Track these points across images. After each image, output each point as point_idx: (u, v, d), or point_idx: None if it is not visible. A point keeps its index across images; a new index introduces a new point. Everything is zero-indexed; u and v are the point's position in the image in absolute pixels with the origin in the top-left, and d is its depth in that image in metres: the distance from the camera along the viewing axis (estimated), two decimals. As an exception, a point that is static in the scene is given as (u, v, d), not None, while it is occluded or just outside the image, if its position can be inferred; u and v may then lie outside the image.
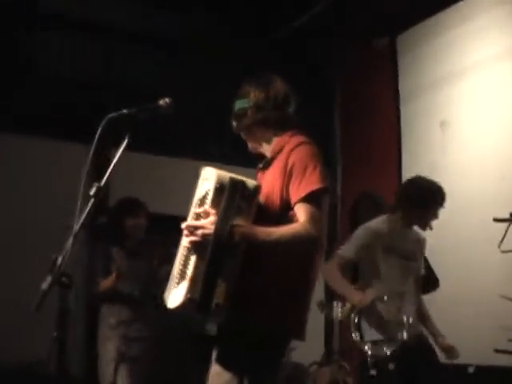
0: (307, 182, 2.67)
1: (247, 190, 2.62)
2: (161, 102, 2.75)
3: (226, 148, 6.95)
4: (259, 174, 2.95)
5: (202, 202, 2.64)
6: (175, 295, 2.58)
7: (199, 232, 2.54)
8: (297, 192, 2.67)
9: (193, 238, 2.56)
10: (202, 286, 2.51)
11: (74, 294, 2.51)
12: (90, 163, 2.65)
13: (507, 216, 4.28)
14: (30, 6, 6.13)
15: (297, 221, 2.66)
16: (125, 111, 2.67)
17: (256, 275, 2.63)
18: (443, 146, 5.90)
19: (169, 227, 6.29)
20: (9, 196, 5.81)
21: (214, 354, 2.75)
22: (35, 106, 5.99)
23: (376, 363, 4.06)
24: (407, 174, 6.31)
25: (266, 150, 2.95)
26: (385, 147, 6.71)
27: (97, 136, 2.58)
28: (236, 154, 6.92)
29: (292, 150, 2.76)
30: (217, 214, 2.55)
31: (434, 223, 4.30)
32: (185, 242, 2.62)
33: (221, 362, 2.69)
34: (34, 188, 5.90)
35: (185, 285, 2.52)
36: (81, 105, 6.13)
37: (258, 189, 2.67)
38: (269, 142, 2.93)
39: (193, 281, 2.50)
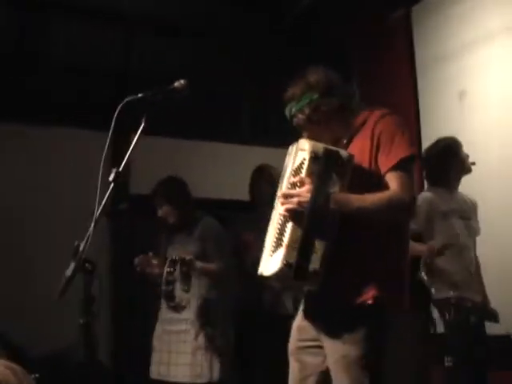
0: (396, 150, 2.73)
1: (341, 160, 2.65)
2: (176, 84, 2.76)
3: (244, 129, 6.96)
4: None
5: (296, 171, 2.69)
6: (271, 262, 2.65)
7: (295, 199, 2.59)
8: (386, 160, 2.73)
9: (289, 206, 2.61)
10: (298, 252, 2.57)
11: (99, 280, 2.52)
12: (108, 149, 2.65)
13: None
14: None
15: (387, 189, 2.70)
16: (140, 95, 2.68)
17: (352, 243, 2.67)
18: (462, 115, 5.84)
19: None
20: (32, 185, 5.83)
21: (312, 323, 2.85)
22: (52, 94, 6.01)
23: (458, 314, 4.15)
24: (427, 145, 6.28)
25: (342, 132, 2.93)
26: (403, 120, 6.66)
27: (113, 120, 2.58)
28: (254, 135, 7.04)
29: (377, 121, 2.81)
30: (312, 182, 2.59)
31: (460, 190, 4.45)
32: (280, 210, 2.67)
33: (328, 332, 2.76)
34: (55, 176, 5.92)
35: (282, 251, 2.59)
36: (99, 92, 6.13)
37: (351, 158, 2.70)
38: (347, 126, 2.92)
39: (290, 247, 2.57)
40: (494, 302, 4.44)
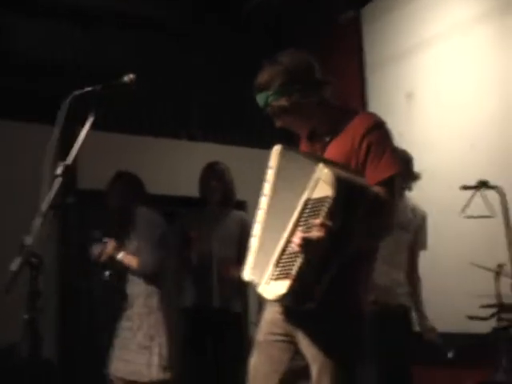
0: (386, 166, 2.67)
1: (365, 193, 2.52)
2: (125, 79, 2.74)
3: (193, 127, 6.95)
4: (317, 146, 2.87)
5: (317, 206, 2.48)
6: (272, 287, 2.59)
7: (313, 243, 2.42)
8: (375, 173, 2.66)
9: (306, 242, 2.43)
10: (304, 287, 2.51)
11: (44, 275, 2.50)
12: (55, 143, 2.63)
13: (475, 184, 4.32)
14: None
15: None
16: (89, 88, 2.65)
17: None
18: (409, 116, 5.92)
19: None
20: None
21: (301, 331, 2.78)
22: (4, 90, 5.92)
23: None
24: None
25: (321, 126, 2.88)
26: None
27: (61, 114, 2.56)
28: (204, 132, 7.04)
29: (371, 129, 2.71)
30: (334, 223, 2.43)
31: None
32: (294, 240, 2.49)
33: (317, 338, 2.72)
34: (1, 170, 5.84)
35: (286, 282, 2.51)
36: (47, 86, 6.06)
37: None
38: (326, 119, 2.85)
39: (295, 280, 2.49)
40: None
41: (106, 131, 5.94)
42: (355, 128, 2.74)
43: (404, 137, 5.75)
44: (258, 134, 6.66)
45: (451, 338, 4.84)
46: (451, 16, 5.64)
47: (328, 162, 2.56)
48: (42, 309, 2.46)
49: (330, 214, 2.42)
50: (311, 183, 2.51)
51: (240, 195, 5.18)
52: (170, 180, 6.47)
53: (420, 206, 4.54)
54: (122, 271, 4.62)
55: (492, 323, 4.27)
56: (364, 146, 2.68)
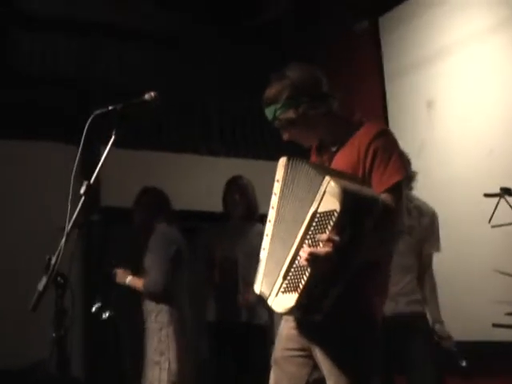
0: (392, 172, 2.68)
1: (373, 207, 2.51)
2: (146, 97, 2.75)
3: (214, 142, 6.96)
4: (324, 157, 2.89)
5: (324, 219, 2.48)
6: (282, 300, 2.59)
7: (321, 259, 2.43)
8: (381, 180, 2.68)
9: (314, 257, 2.44)
10: (313, 300, 2.52)
11: (71, 293, 2.52)
12: (78, 162, 2.65)
13: (497, 191, 4.29)
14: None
15: None
16: (110, 107, 2.67)
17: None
18: (430, 124, 5.89)
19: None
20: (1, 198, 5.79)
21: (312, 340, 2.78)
22: (21, 108, 5.95)
23: None
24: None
25: (328, 137, 2.90)
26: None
27: (84, 134, 2.58)
28: (225, 147, 7.05)
29: (377, 136, 2.72)
30: (341, 239, 2.42)
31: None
32: (302, 253, 2.49)
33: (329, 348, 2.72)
34: (24, 191, 5.87)
35: (295, 295, 2.51)
36: (68, 105, 6.09)
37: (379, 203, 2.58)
38: (334, 130, 2.87)
39: (304, 293, 2.50)
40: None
41: (128, 148, 5.98)
42: (361, 138, 2.76)
43: (425, 145, 5.75)
44: (279, 147, 6.64)
45: (475, 346, 4.82)
46: (469, 24, 5.63)
47: (335, 173, 2.59)
48: (68, 327, 2.48)
49: (337, 228, 2.43)
50: (318, 196, 2.51)
51: (263, 209, 5.18)
52: (192, 195, 6.48)
53: (427, 204, 4.44)
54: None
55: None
56: (370, 153, 2.69)
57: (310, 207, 2.54)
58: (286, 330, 2.88)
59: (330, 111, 2.84)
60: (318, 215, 2.51)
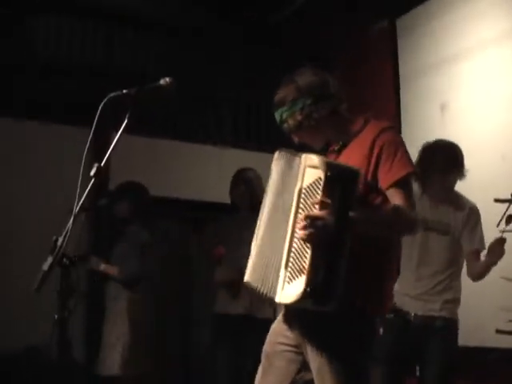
0: (399, 166, 2.68)
1: (356, 178, 2.53)
2: (161, 82, 2.74)
3: (226, 132, 6.95)
4: (330, 157, 2.88)
5: (311, 190, 2.52)
6: (290, 289, 2.51)
7: (319, 223, 2.43)
8: (388, 175, 2.67)
9: (311, 230, 2.43)
10: (322, 278, 2.44)
11: (77, 275, 2.52)
12: (90, 145, 2.65)
13: (508, 196, 4.26)
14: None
15: (382, 204, 2.69)
16: (125, 91, 2.66)
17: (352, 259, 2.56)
18: (443, 128, 5.87)
19: (168, 209, 6.37)
20: (10, 180, 5.79)
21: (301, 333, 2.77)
22: (36, 91, 5.96)
23: None
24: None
25: (336, 137, 2.91)
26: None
27: (97, 116, 2.57)
28: (236, 137, 7.04)
29: (381, 133, 2.74)
30: (333, 204, 2.45)
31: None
32: (299, 233, 2.50)
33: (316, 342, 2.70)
34: (35, 172, 5.88)
35: (303, 278, 2.44)
36: (83, 89, 6.09)
37: (362, 173, 2.60)
38: (340, 130, 2.89)
39: (311, 273, 2.43)
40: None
41: (139, 135, 5.97)
42: (366, 135, 2.79)
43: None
44: (288, 140, 6.63)
45: (478, 352, 4.80)
46: (486, 29, 5.60)
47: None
48: (72, 309, 2.48)
49: (327, 192, 2.45)
50: (299, 174, 2.58)
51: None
52: (201, 185, 6.47)
53: (467, 199, 4.27)
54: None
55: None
56: (376, 149, 2.71)
57: (294, 188, 2.59)
58: (280, 324, 2.88)
59: (335, 112, 2.87)
60: (303, 191, 2.55)
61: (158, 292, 5.95)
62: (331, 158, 2.85)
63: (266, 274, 2.65)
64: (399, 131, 6.40)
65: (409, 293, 4.10)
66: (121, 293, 4.93)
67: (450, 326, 4.10)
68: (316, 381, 2.69)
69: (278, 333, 2.87)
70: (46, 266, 2.43)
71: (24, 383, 5.09)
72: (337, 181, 2.46)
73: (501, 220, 4.16)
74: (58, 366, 2.57)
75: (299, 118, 2.82)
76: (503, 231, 4.07)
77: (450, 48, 5.96)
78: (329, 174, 2.45)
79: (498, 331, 4.23)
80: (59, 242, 2.46)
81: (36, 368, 5.06)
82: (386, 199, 2.70)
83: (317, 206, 2.46)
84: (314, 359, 2.69)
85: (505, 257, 4.74)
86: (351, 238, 2.51)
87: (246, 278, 2.79)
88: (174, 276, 6.61)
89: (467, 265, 4.18)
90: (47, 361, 4.69)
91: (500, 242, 3.97)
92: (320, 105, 2.82)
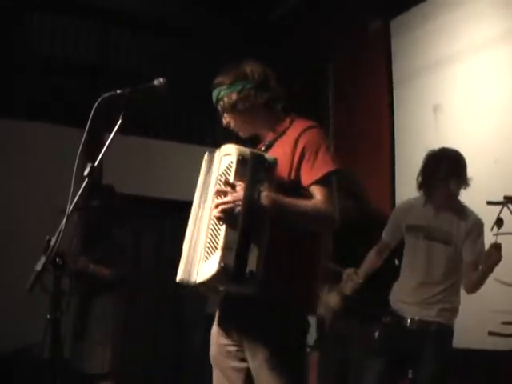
0: (321, 164, 2.72)
1: (268, 163, 2.62)
2: (155, 82, 2.74)
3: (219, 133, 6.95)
4: None
5: (224, 174, 2.63)
6: (206, 267, 2.54)
7: (230, 199, 2.53)
8: (310, 173, 2.71)
9: (224, 207, 2.53)
10: (235, 253, 2.48)
11: (69, 275, 2.52)
12: (83, 145, 2.65)
13: (500, 199, 4.26)
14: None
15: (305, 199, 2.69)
16: (118, 91, 2.66)
17: (273, 248, 2.59)
18: (436, 130, 5.88)
19: (160, 210, 6.37)
20: (3, 180, 5.78)
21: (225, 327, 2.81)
22: (30, 91, 5.96)
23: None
24: (400, 157, 6.32)
25: (264, 133, 2.96)
26: (378, 132, 6.70)
27: (90, 116, 2.57)
28: (228, 138, 7.03)
29: (303, 132, 2.78)
30: (244, 182, 2.54)
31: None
32: (207, 213, 2.62)
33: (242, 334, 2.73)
34: (28, 172, 5.87)
35: (217, 254, 2.48)
36: (76, 89, 6.09)
37: (276, 162, 2.66)
38: (269, 126, 2.93)
39: (225, 249, 2.48)
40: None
41: (133, 135, 5.96)
42: (290, 135, 2.83)
43: (430, 149, 5.74)
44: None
45: (471, 354, 4.80)
46: (480, 31, 5.61)
47: None
48: (65, 310, 2.47)
49: (238, 175, 2.57)
50: (216, 164, 2.73)
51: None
52: (193, 186, 6.44)
53: (473, 212, 4.19)
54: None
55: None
56: (298, 148, 2.75)
57: (212, 176, 2.71)
58: (216, 326, 2.88)
59: (270, 105, 2.91)
60: (219, 177, 2.66)
61: (150, 293, 5.96)
62: None
63: (192, 263, 2.66)
64: (391, 131, 6.42)
65: (406, 300, 4.10)
66: (108, 292, 4.93)
67: (445, 331, 4.09)
68: (256, 379, 2.71)
69: (218, 334, 2.87)
70: (38, 266, 2.43)
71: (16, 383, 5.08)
72: (245, 162, 2.58)
73: (494, 224, 4.15)
74: (50, 366, 2.57)
75: (235, 97, 2.87)
76: (496, 234, 4.07)
77: (444, 50, 5.97)
78: (240, 157, 2.58)
79: (491, 333, 4.22)
80: (52, 242, 2.46)
81: (28, 368, 5.06)
82: (310, 197, 2.72)
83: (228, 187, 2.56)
84: (252, 357, 2.71)
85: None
86: (270, 224, 2.57)
87: (178, 278, 2.73)
88: (165, 277, 6.60)
89: (464, 275, 4.13)
90: (39, 361, 4.68)
91: (496, 247, 3.95)
92: (258, 92, 2.86)
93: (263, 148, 2.90)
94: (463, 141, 5.54)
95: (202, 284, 2.59)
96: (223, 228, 2.52)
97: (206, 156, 2.87)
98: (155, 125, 6.57)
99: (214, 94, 2.94)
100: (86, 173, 2.54)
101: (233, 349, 2.80)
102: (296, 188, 2.73)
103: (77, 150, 2.63)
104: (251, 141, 3.02)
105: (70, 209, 2.50)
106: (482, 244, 4.10)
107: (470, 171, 5.28)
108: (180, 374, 6.83)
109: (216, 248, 2.51)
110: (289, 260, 2.69)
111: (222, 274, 2.47)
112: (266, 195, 2.55)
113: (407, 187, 5.96)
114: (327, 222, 2.72)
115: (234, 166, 2.59)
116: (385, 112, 6.52)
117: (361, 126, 6.90)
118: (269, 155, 2.70)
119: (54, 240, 2.46)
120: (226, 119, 2.96)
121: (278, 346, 2.66)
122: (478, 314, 4.91)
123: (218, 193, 2.58)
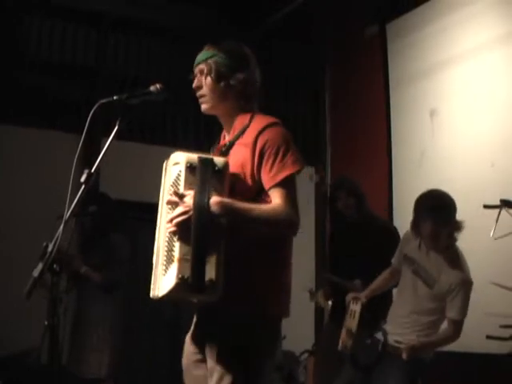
0: (281, 166, 2.61)
1: (217, 166, 2.55)
2: (152, 88, 2.73)
3: (215, 139, 6.95)
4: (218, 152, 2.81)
5: (175, 184, 2.57)
6: (165, 281, 2.50)
7: (179, 211, 2.48)
8: (270, 176, 2.61)
9: (176, 220, 2.48)
10: (192, 263, 2.44)
11: (67, 281, 2.52)
12: (80, 151, 2.64)
13: (497, 203, 4.26)
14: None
15: (270, 202, 2.61)
16: (115, 97, 2.65)
17: (235, 253, 2.54)
18: (433, 134, 5.90)
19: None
20: (7, 183, 5.79)
21: (196, 340, 2.76)
22: (27, 96, 5.96)
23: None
24: (397, 162, 6.33)
25: (225, 121, 2.87)
26: (374, 135, 6.71)
27: (87, 122, 2.56)
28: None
29: (261, 132, 2.66)
30: (193, 191, 2.49)
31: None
32: (167, 227, 2.54)
33: (210, 347, 2.65)
34: (25, 178, 5.87)
35: (174, 266, 2.45)
36: (74, 95, 6.10)
37: (227, 165, 2.59)
38: (232, 110, 2.82)
39: (181, 260, 2.45)
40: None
41: (129, 141, 5.97)
42: (249, 133, 2.71)
43: (426, 153, 5.75)
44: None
45: (468, 358, 4.80)
46: (476, 35, 5.64)
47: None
48: (62, 316, 2.47)
49: (186, 185, 2.52)
50: (167, 174, 2.66)
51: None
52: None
53: (464, 266, 4.00)
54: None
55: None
56: (257, 148, 2.64)
57: (165, 188, 2.64)
58: (189, 334, 2.84)
59: (242, 94, 2.79)
60: (170, 188, 2.59)
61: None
62: (219, 155, 2.78)
63: (155, 277, 2.61)
64: (388, 136, 6.43)
65: (390, 323, 4.11)
66: (102, 297, 4.92)
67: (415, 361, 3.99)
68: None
69: (189, 342, 2.83)
70: (36, 273, 2.42)
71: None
72: (193, 169, 2.53)
73: (495, 228, 4.13)
74: (48, 372, 2.57)
75: (211, 63, 2.80)
76: (498, 238, 4.06)
77: (440, 54, 5.98)
78: (188, 165, 2.53)
79: (489, 337, 4.22)
80: (49, 248, 2.46)
81: (26, 373, 5.05)
82: (269, 199, 2.64)
83: (176, 198, 2.51)
84: (212, 368, 2.64)
85: (495, 263, 4.77)
86: (228, 230, 2.52)
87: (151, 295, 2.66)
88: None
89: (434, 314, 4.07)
90: (37, 366, 4.67)
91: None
92: (235, 73, 2.78)
93: (224, 149, 2.79)
94: (459, 145, 5.57)
95: (165, 297, 2.54)
96: (177, 240, 2.49)
97: (164, 164, 2.76)
98: (151, 131, 6.57)
99: (203, 54, 2.86)
100: (82, 179, 2.53)
101: (200, 357, 2.75)
102: (259, 192, 2.65)
103: (73, 156, 2.63)
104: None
105: (67, 215, 2.50)
106: (463, 301, 3.96)
107: (467, 174, 5.30)
108: (177, 378, 6.81)
109: (173, 261, 2.48)
110: (249, 266, 2.62)
111: (181, 285, 2.44)
112: (215, 201, 2.48)
113: (404, 190, 5.99)
114: (287, 225, 2.62)
115: (182, 174, 2.54)
116: (382, 115, 6.53)
117: (358, 130, 6.92)
118: (220, 158, 2.60)
119: (51, 246, 2.45)
120: (197, 83, 2.86)
121: (240, 358, 2.59)
122: (476, 317, 4.91)
123: (170, 204, 2.54)
